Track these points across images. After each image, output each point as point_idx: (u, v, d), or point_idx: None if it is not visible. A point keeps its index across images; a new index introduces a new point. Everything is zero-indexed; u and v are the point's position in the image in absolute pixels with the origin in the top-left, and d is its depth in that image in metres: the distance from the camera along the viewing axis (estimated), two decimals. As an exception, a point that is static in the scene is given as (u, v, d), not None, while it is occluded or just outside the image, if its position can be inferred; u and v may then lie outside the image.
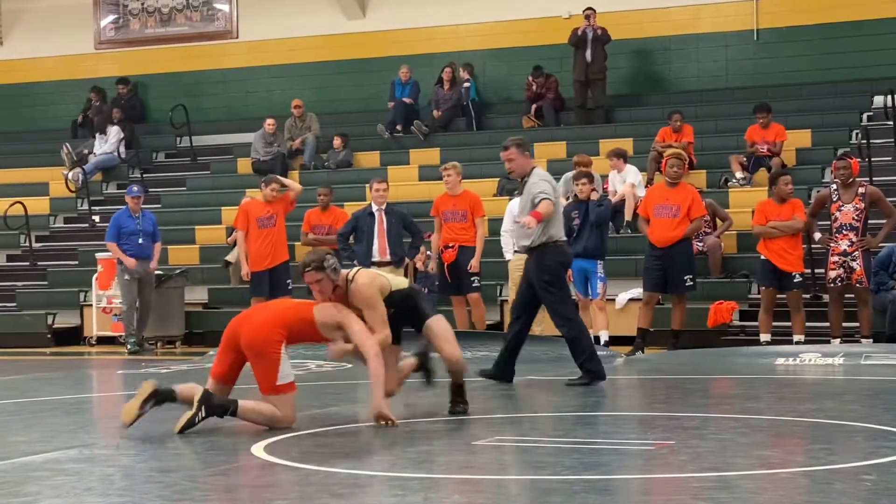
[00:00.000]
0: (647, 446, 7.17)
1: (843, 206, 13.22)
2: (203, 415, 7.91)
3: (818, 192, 17.01)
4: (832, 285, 13.27)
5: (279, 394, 7.96)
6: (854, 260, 13.14)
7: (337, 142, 20.53)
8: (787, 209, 13.52)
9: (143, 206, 16.14)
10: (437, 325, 8.48)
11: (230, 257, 17.03)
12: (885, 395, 9.92)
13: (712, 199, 15.81)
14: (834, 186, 13.41)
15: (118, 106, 22.86)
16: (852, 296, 13.44)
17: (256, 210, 15.19)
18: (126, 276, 15.68)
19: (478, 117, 21.02)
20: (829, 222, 13.57)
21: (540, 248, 10.13)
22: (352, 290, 8.21)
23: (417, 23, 22.18)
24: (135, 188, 16.27)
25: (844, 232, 13.19)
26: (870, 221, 13.46)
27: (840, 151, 17.86)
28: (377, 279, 8.43)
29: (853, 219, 13.16)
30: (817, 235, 13.53)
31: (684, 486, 5.91)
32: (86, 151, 22.22)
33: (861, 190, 13.22)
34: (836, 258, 13.20)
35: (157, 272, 16.13)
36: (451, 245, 14.46)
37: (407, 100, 21.26)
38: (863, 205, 13.17)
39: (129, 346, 15.73)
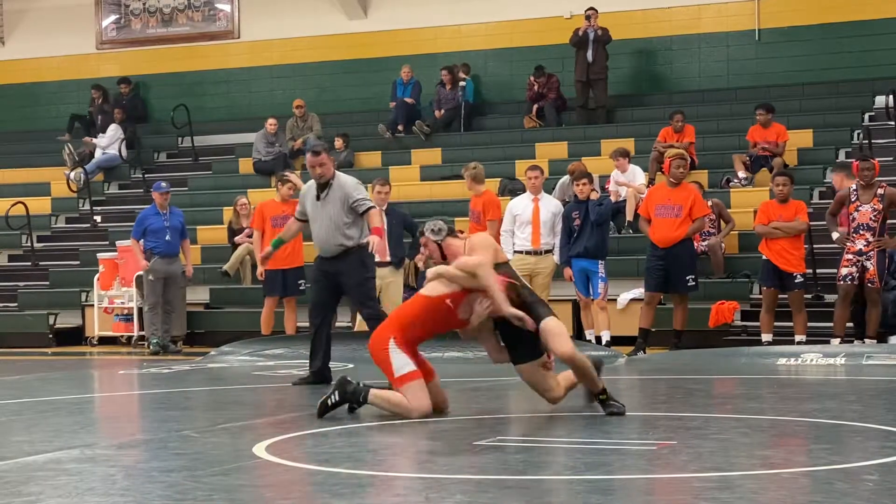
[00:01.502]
0: (648, 446, 7.16)
1: (861, 206, 13.20)
2: (336, 399, 8.29)
3: (821, 190, 17.12)
4: (842, 282, 13.25)
5: (403, 384, 8.22)
6: (868, 259, 13.13)
7: (338, 143, 20.52)
8: (789, 210, 13.51)
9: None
10: (550, 324, 8.46)
11: (228, 267, 17.01)
12: (886, 395, 9.92)
13: (717, 199, 15.83)
14: (854, 186, 13.40)
15: (120, 106, 22.90)
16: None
17: (271, 209, 15.18)
18: (150, 277, 15.63)
19: (469, 119, 21.00)
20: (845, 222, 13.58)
21: (359, 249, 10.67)
22: (469, 246, 8.48)
23: (419, 23, 22.18)
24: (163, 184, 16.14)
25: (861, 232, 13.18)
26: (888, 221, 13.48)
27: (844, 152, 17.90)
28: (493, 241, 8.78)
29: (870, 219, 13.16)
30: (835, 235, 13.48)
31: (686, 487, 5.91)
32: (88, 151, 22.23)
33: (880, 191, 13.21)
34: (850, 256, 13.19)
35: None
36: None
37: (408, 100, 21.27)
38: (881, 206, 13.17)
39: (150, 347, 15.65)
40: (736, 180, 17.14)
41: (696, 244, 15.07)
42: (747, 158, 17.28)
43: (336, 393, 8.33)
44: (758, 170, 17.27)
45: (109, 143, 22.06)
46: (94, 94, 23.42)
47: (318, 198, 10.59)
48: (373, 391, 8.34)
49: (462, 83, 20.99)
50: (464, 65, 21.24)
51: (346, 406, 8.38)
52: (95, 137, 22.52)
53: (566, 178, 16.04)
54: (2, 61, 25.05)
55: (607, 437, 7.65)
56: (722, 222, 15.68)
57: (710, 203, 15.45)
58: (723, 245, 15.53)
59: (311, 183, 10.80)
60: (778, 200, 13.61)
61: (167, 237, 15.62)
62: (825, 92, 19.81)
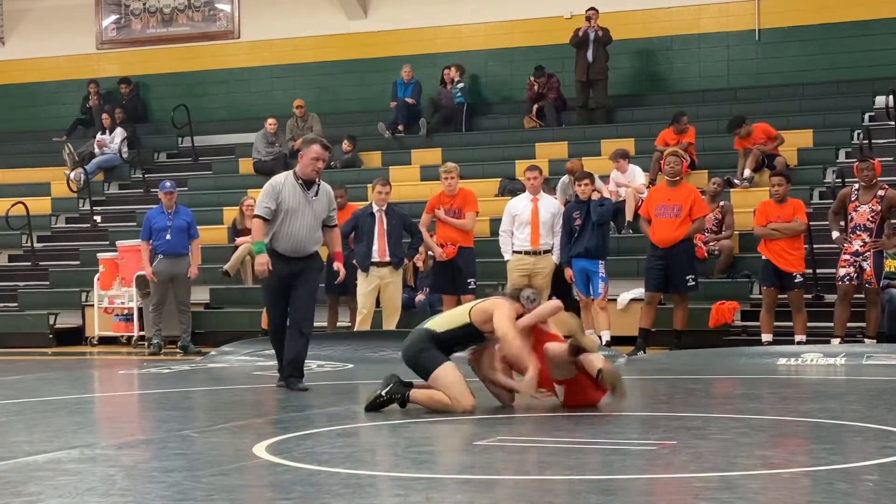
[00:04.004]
0: (649, 446, 7.16)
1: (860, 206, 13.22)
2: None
3: (821, 190, 17.12)
4: (840, 283, 13.26)
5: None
6: (865, 260, 13.14)
7: (346, 145, 20.48)
8: (787, 210, 13.51)
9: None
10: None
11: (228, 266, 16.99)
12: (887, 395, 9.91)
13: (727, 202, 15.85)
14: (855, 186, 13.41)
15: (120, 106, 22.89)
16: (857, 296, 13.45)
17: None
18: (155, 279, 15.65)
19: (469, 119, 21.05)
20: (843, 222, 13.59)
21: (317, 255, 10.50)
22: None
23: (419, 23, 22.18)
24: (167, 184, 16.14)
25: (858, 232, 13.19)
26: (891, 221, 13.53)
27: (844, 152, 17.90)
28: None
29: (868, 220, 13.17)
30: (835, 234, 13.49)
31: (686, 487, 5.91)
32: (95, 149, 22.22)
33: (881, 193, 13.22)
34: (847, 256, 13.19)
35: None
36: (445, 244, 14.43)
37: (409, 100, 21.28)
38: (879, 207, 13.17)
39: (150, 346, 15.66)
40: (737, 180, 17.09)
41: (702, 244, 15.15)
42: (760, 155, 17.13)
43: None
44: (760, 169, 17.25)
45: (119, 145, 21.99)
46: (92, 89, 23.47)
47: (315, 194, 10.26)
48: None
49: (461, 84, 20.99)
50: (457, 66, 21.16)
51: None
52: (94, 137, 22.50)
53: (566, 178, 16.04)
54: (2, 61, 25.05)
55: (607, 437, 7.65)
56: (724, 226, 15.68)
57: (721, 204, 15.47)
58: (732, 247, 15.57)
59: (285, 177, 10.23)
60: (775, 201, 13.62)
61: (168, 236, 15.64)
62: (825, 92, 19.80)
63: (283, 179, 10.24)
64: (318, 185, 10.32)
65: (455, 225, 14.31)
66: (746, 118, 17.60)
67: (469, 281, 14.27)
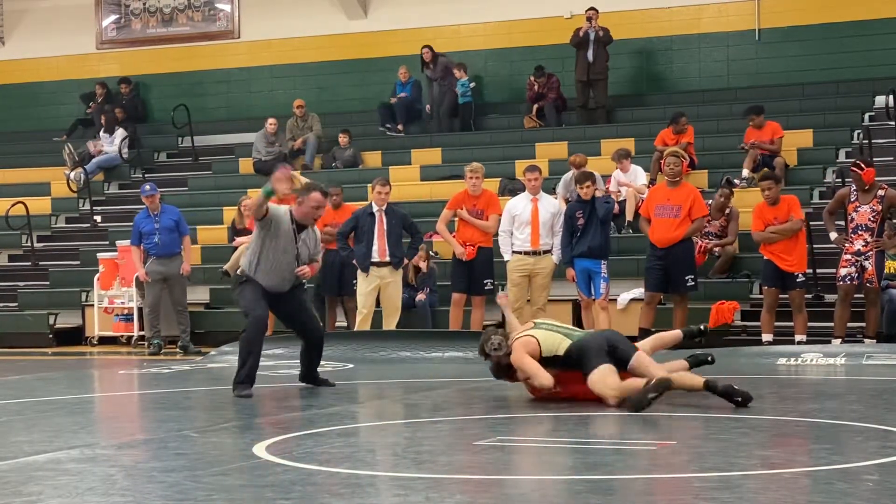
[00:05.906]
0: (648, 446, 7.16)
1: (860, 206, 13.21)
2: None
3: (821, 190, 17.12)
4: (841, 283, 13.25)
5: None
6: (867, 259, 13.14)
7: (342, 140, 20.48)
8: (782, 210, 13.50)
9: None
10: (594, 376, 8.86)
11: (228, 266, 16.99)
12: (887, 395, 9.91)
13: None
14: (853, 186, 13.41)
15: (120, 106, 22.90)
16: (857, 296, 13.44)
17: None
18: (148, 278, 15.69)
19: (469, 119, 21.06)
20: (843, 222, 13.58)
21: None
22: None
23: (419, 23, 22.18)
24: (146, 187, 16.16)
25: (860, 232, 13.19)
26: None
27: (844, 151, 17.89)
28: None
29: (869, 220, 13.16)
30: (833, 235, 13.48)
31: (686, 487, 5.91)
32: (94, 149, 22.22)
33: (881, 193, 13.21)
34: (848, 256, 13.19)
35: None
36: (466, 245, 14.37)
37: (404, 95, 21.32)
38: (880, 207, 13.17)
39: (150, 347, 15.68)
40: (738, 180, 17.10)
41: (703, 244, 15.14)
42: (758, 157, 17.15)
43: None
44: (759, 170, 17.23)
45: (119, 145, 22.02)
46: (98, 91, 23.48)
47: (305, 236, 10.10)
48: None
49: (472, 84, 20.95)
50: (460, 64, 21.16)
51: None
52: (95, 138, 22.51)
53: (568, 174, 16.03)
54: (2, 61, 25.06)
55: (607, 437, 7.65)
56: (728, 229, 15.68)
57: (727, 211, 15.44)
58: (736, 248, 15.57)
59: (285, 211, 10.09)
60: (768, 203, 13.62)
61: (157, 238, 15.68)
62: (825, 92, 19.81)
63: (283, 211, 10.10)
64: (307, 230, 10.19)
65: (479, 226, 14.24)
66: (764, 108, 17.56)
67: (486, 282, 14.27)
